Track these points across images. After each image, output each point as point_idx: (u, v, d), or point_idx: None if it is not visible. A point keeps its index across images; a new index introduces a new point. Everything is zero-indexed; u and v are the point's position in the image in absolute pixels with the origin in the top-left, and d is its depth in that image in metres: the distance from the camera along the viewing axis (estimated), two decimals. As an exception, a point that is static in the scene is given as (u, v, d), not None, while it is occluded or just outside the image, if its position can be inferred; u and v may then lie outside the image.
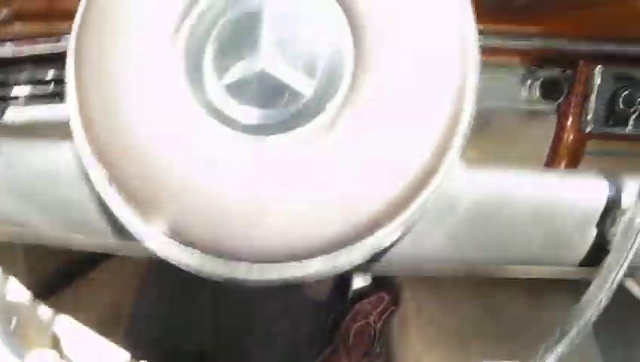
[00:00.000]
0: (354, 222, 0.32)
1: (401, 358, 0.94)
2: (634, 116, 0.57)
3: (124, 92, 0.33)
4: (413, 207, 0.33)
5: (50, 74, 0.56)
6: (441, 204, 0.38)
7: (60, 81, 0.57)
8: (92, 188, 0.35)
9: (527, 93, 0.59)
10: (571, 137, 0.59)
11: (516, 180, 0.40)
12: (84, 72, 0.34)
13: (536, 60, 0.58)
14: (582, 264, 0.41)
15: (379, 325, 1.02)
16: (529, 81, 0.59)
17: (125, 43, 0.34)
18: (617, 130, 0.58)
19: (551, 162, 0.61)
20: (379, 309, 1.03)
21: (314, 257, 0.33)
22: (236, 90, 0.34)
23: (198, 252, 0.33)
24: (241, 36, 0.34)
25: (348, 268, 0.35)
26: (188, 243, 0.33)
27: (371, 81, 0.33)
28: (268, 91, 0.34)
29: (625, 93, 0.56)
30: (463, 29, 0.34)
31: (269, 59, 0.34)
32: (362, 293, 1.08)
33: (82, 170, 0.36)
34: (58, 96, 0.56)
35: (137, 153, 0.33)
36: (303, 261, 0.33)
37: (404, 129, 0.33)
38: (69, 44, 0.35)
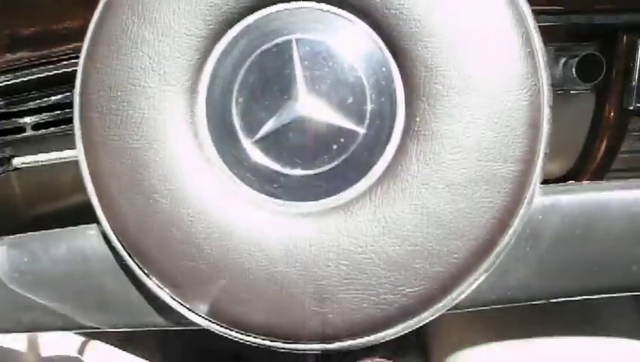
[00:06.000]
0: (428, 287, 0.29)
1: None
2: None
3: (141, 161, 0.30)
4: (495, 252, 0.30)
5: (53, 100, 0.52)
6: (522, 238, 0.34)
7: (64, 105, 0.53)
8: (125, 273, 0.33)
9: (561, 73, 0.54)
10: (612, 115, 0.55)
11: (603, 196, 0.34)
12: (94, 138, 0.30)
13: (570, 36, 0.54)
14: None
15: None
16: (563, 60, 0.54)
17: (140, 103, 0.30)
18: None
19: (591, 143, 0.57)
20: None
21: (392, 327, 0.30)
22: (272, 144, 0.30)
23: (251, 336, 0.30)
24: (271, 79, 0.30)
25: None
26: (232, 323, 0.30)
27: (431, 117, 0.29)
28: (309, 142, 0.30)
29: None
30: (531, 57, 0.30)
31: (307, 103, 0.30)
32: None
33: (114, 255, 0.33)
34: (64, 121, 0.52)
35: (159, 228, 0.29)
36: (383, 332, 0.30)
37: (478, 173, 0.29)
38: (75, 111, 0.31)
